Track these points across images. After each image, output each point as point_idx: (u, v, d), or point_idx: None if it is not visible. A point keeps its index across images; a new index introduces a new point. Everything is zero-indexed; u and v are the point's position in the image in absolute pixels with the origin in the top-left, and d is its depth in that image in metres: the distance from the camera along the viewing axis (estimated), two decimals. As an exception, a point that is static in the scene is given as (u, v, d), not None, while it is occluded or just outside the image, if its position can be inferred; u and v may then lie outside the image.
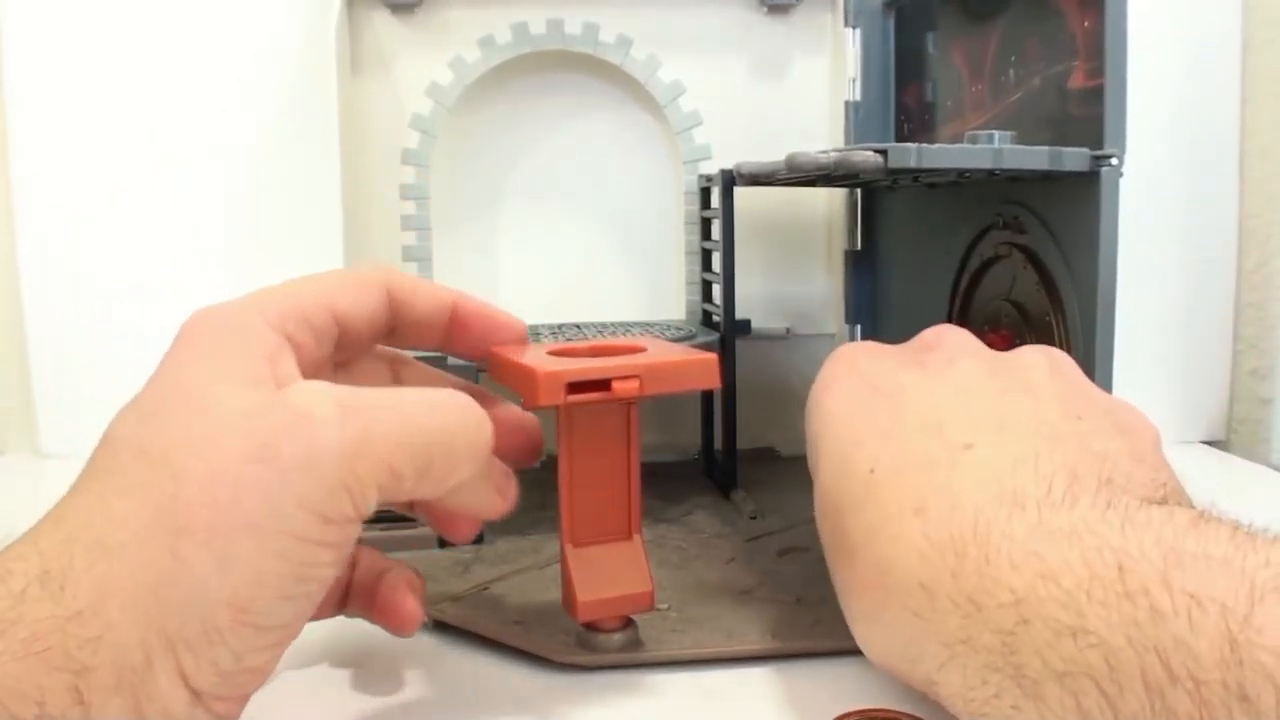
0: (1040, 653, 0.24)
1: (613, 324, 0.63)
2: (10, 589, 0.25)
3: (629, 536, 0.35)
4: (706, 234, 0.61)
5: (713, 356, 0.34)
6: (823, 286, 0.68)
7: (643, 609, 0.36)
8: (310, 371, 0.31)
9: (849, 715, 0.31)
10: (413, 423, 0.28)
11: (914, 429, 0.31)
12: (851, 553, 0.30)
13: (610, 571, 0.34)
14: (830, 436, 0.33)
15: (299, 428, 0.26)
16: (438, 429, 0.29)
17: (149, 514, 0.25)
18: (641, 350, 0.35)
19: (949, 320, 0.54)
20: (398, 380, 0.37)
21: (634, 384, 0.32)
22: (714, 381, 0.34)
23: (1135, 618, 0.22)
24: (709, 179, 0.60)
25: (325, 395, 0.27)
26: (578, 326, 0.61)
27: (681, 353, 0.34)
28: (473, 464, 0.30)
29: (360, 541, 0.30)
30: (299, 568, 0.26)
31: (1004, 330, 0.49)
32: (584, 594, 0.34)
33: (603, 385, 0.32)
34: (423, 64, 0.63)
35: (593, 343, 0.37)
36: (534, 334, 0.58)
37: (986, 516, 0.27)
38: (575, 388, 0.31)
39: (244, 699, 0.27)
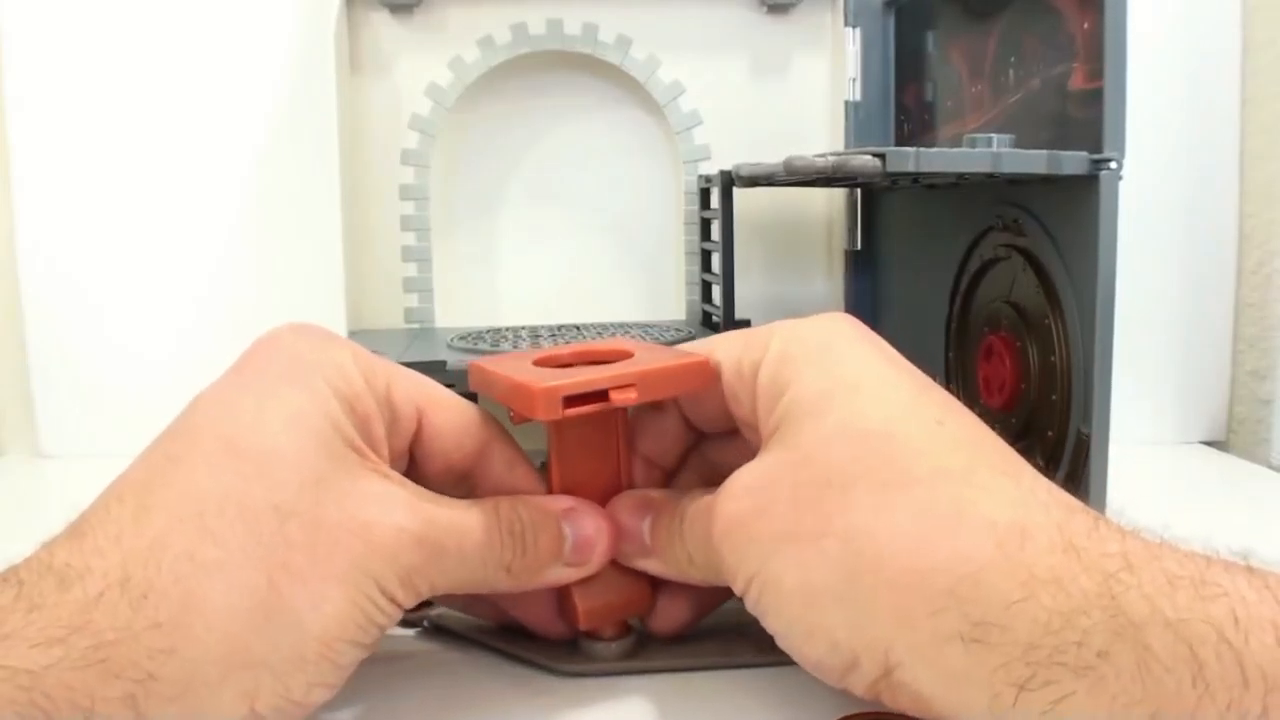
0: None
1: (612, 324, 0.63)
2: (86, 592, 0.25)
3: None
4: (706, 234, 0.61)
5: (706, 359, 0.33)
6: (822, 287, 0.68)
7: (642, 612, 0.35)
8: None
9: (851, 717, 0.31)
10: (477, 553, 0.31)
11: (968, 414, 0.31)
12: (909, 484, 0.28)
13: (607, 576, 0.34)
14: (867, 382, 0.30)
15: (387, 527, 0.29)
16: (502, 560, 0.31)
17: (248, 540, 0.27)
18: (629, 355, 0.34)
19: (949, 321, 0.54)
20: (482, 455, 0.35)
21: (631, 393, 0.31)
22: (709, 384, 0.33)
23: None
24: (708, 179, 0.60)
25: (414, 512, 0.30)
26: (577, 328, 0.61)
27: (674, 357, 0.34)
28: (538, 583, 0.33)
29: None
30: (366, 623, 0.28)
31: (1003, 332, 0.49)
32: (584, 601, 0.34)
33: (600, 396, 0.31)
34: (422, 64, 0.63)
35: (575, 348, 0.36)
36: (534, 335, 0.58)
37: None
38: (572, 401, 0.31)
39: None
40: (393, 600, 0.29)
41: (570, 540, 0.33)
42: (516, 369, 0.33)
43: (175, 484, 0.28)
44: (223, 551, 0.27)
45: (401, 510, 0.29)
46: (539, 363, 0.34)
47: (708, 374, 0.33)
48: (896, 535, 0.27)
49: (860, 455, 0.28)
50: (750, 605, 0.30)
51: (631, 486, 0.35)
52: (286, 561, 0.27)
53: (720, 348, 0.34)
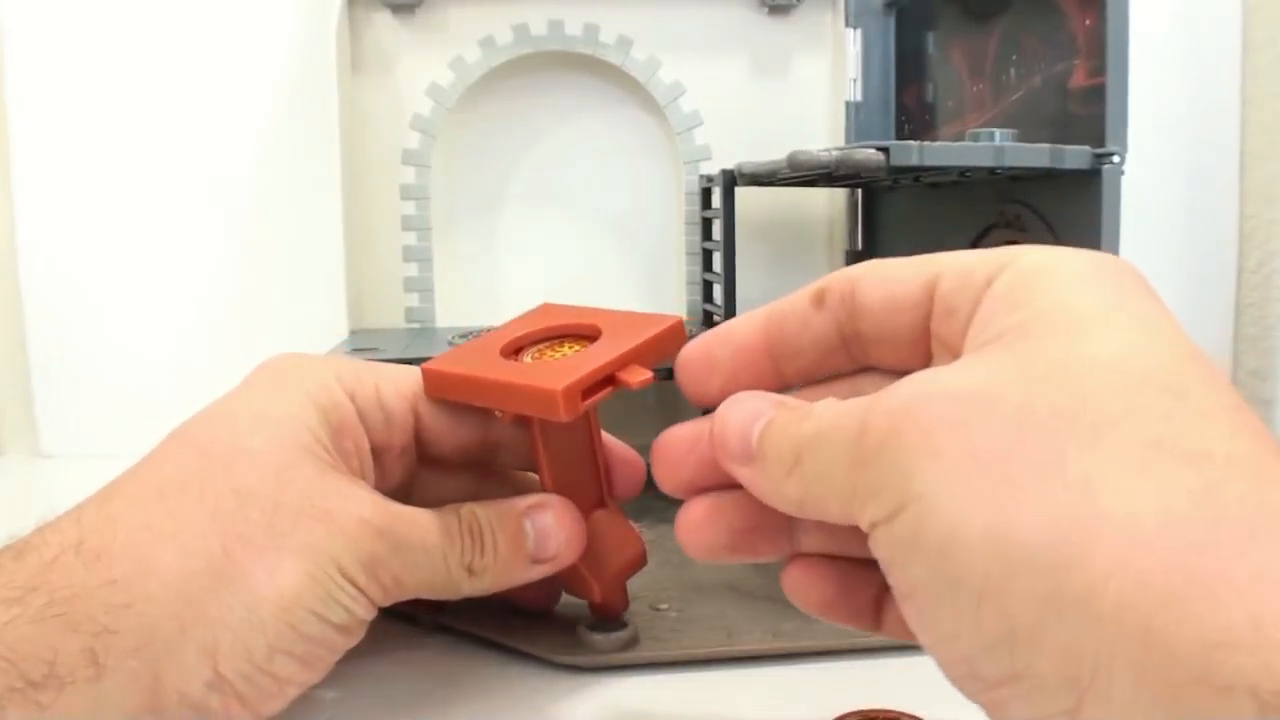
0: None
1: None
2: (41, 558, 0.26)
3: (604, 504, 0.36)
4: (707, 234, 0.61)
5: (679, 319, 0.33)
6: (823, 287, 0.68)
7: (641, 565, 0.36)
8: (385, 456, 0.33)
9: (850, 715, 0.31)
10: (438, 551, 0.31)
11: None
12: (1192, 460, 0.19)
13: (606, 541, 0.35)
14: (1152, 313, 0.22)
15: (349, 515, 0.29)
16: (463, 560, 0.31)
17: (206, 516, 0.28)
18: (593, 326, 0.34)
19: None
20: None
21: (644, 374, 0.31)
22: (681, 345, 0.31)
23: None
24: (709, 179, 0.60)
25: (376, 507, 0.30)
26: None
27: (649, 324, 0.33)
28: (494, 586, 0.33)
29: None
30: (326, 597, 0.28)
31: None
32: (597, 577, 0.34)
33: (609, 381, 0.31)
34: (423, 64, 0.63)
35: (535, 325, 0.35)
36: None
37: None
38: (587, 393, 0.30)
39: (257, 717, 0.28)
40: (354, 583, 0.29)
41: (532, 537, 0.33)
42: (499, 368, 0.33)
43: (139, 475, 0.29)
44: (179, 524, 0.27)
45: (364, 505, 0.30)
46: (505, 351, 0.34)
47: (682, 336, 0.33)
48: (1162, 512, 0.18)
49: (1134, 397, 0.20)
50: (885, 542, 0.22)
51: (606, 470, 0.35)
52: (242, 534, 0.28)
53: (945, 259, 0.26)
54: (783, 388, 0.29)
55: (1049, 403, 0.20)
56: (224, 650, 0.27)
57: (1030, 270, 0.23)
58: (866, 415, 0.22)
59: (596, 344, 0.33)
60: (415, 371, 0.34)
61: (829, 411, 0.24)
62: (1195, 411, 0.20)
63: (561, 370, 0.31)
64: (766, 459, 0.25)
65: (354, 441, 0.32)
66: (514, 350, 0.34)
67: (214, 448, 0.29)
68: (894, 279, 0.26)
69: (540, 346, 0.34)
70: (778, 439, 0.25)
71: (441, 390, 0.34)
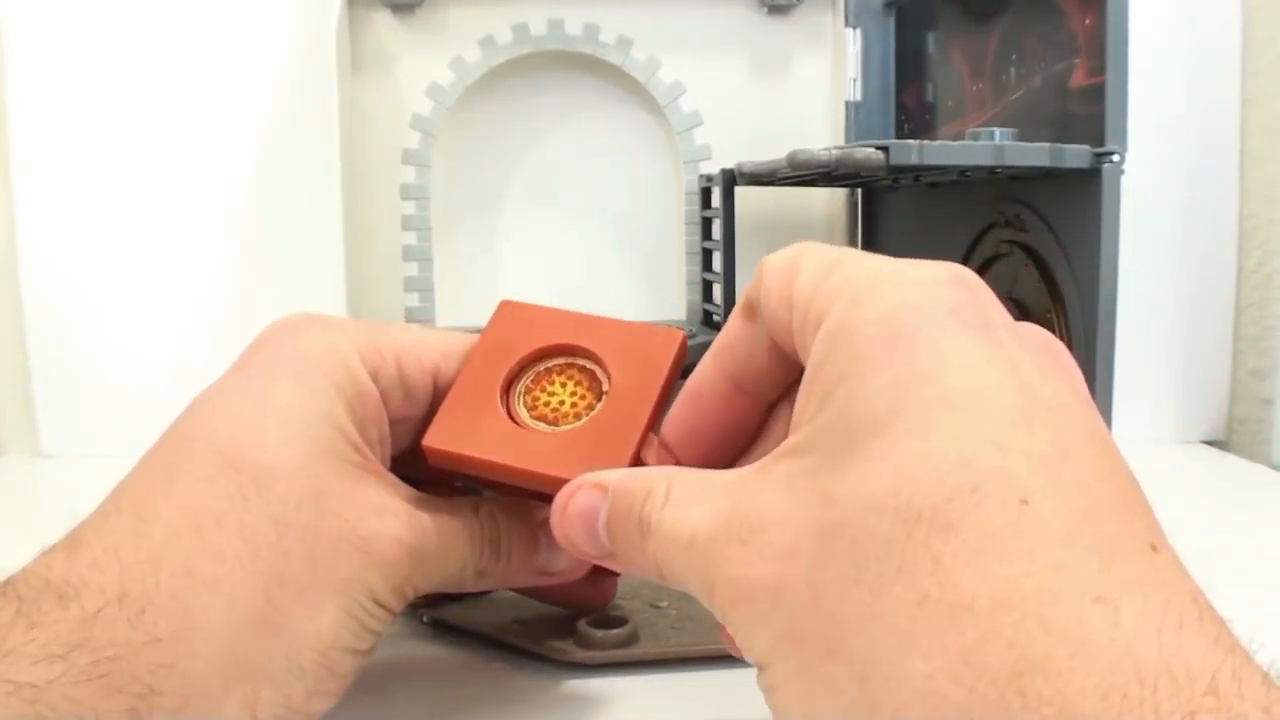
0: None
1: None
2: (84, 608, 0.25)
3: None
4: (707, 234, 0.61)
5: (681, 337, 0.31)
6: (823, 286, 0.68)
7: None
8: (399, 427, 0.32)
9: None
10: (458, 558, 0.31)
11: (1091, 469, 0.21)
12: (957, 612, 0.20)
13: None
14: (945, 400, 0.22)
15: (387, 539, 0.29)
16: (478, 566, 0.31)
17: (248, 554, 0.27)
18: (583, 348, 0.32)
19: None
20: None
21: (667, 460, 0.30)
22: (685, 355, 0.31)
23: None
24: (709, 179, 0.60)
25: (410, 522, 0.30)
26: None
27: (650, 353, 0.31)
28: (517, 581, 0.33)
29: None
30: (360, 630, 0.29)
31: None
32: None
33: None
34: (423, 64, 0.63)
35: (520, 348, 0.33)
36: None
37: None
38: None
39: None
40: (384, 607, 0.29)
41: (544, 550, 0.32)
42: (519, 445, 0.31)
43: (173, 497, 0.28)
44: (221, 566, 0.27)
45: (399, 521, 0.29)
46: (504, 394, 0.32)
47: (686, 352, 0.32)
48: (926, 693, 0.19)
49: (906, 547, 0.20)
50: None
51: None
52: (283, 574, 0.27)
53: (801, 279, 0.26)
54: (771, 409, 0.30)
55: (836, 571, 0.21)
56: (264, 700, 0.27)
57: (841, 333, 0.24)
58: (709, 567, 0.23)
59: (610, 397, 0.31)
60: (437, 340, 0.33)
61: (665, 523, 0.25)
62: (960, 545, 0.20)
63: (594, 451, 0.30)
64: (629, 557, 0.26)
65: (378, 429, 0.31)
66: (505, 385, 0.32)
67: (243, 459, 0.28)
68: (773, 302, 0.26)
69: (528, 381, 0.33)
70: (625, 545, 0.26)
71: (452, 466, 0.32)
